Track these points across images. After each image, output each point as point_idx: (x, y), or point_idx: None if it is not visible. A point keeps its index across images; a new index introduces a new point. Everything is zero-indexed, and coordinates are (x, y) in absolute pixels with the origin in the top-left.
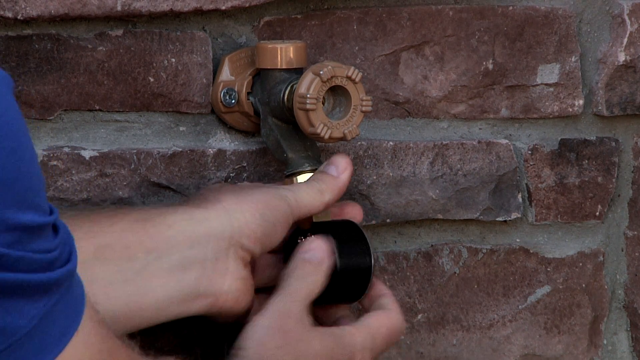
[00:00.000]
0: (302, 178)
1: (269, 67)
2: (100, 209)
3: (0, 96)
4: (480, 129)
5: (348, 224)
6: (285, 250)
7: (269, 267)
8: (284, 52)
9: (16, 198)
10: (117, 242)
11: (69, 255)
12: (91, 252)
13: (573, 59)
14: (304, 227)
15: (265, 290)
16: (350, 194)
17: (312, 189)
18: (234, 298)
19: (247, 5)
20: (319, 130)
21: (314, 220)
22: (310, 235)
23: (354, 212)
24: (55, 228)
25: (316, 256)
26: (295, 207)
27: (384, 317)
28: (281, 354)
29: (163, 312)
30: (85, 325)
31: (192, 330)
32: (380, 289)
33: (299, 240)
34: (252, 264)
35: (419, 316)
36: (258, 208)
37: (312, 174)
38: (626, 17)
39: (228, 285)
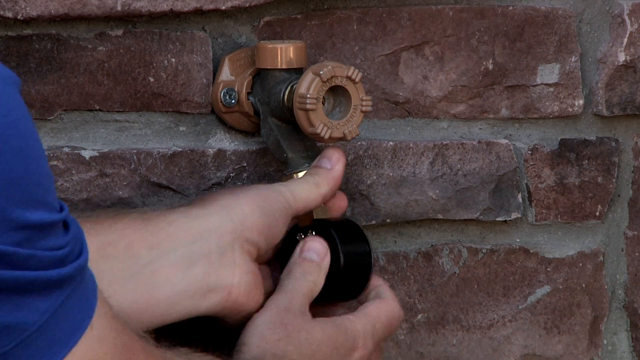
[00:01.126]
0: (301, 175)
1: (269, 67)
2: (100, 211)
3: (7, 96)
4: (480, 129)
5: (349, 223)
6: (282, 250)
7: (265, 279)
8: (284, 52)
9: (24, 197)
10: (120, 240)
11: (80, 250)
12: (94, 250)
13: (573, 59)
14: (303, 224)
15: None
16: (350, 194)
17: (307, 183)
18: (246, 292)
19: (247, 5)
20: (319, 130)
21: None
22: (312, 232)
23: (338, 202)
24: (66, 225)
25: (317, 256)
26: (293, 202)
27: (382, 305)
28: (283, 345)
29: (174, 308)
30: (98, 320)
31: (192, 330)
32: (375, 279)
33: (298, 237)
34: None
35: (419, 316)
36: (256, 201)
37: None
38: (626, 17)
39: (238, 278)
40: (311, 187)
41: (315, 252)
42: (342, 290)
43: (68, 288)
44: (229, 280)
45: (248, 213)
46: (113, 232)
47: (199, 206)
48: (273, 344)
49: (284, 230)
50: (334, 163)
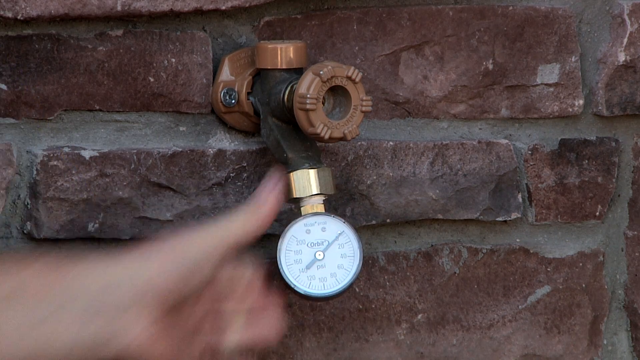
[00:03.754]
0: (300, 174)
1: (269, 67)
2: (13, 253)
3: None
4: (480, 129)
5: None
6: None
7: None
8: (284, 52)
9: None
10: (30, 284)
11: None
12: (5, 293)
13: (573, 59)
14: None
15: None
16: (350, 194)
17: (241, 218)
18: (147, 345)
19: (247, 5)
20: (319, 131)
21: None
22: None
23: None
24: None
25: None
26: (226, 243)
27: None
28: None
29: (73, 357)
30: None
31: None
32: None
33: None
34: (173, 309)
35: (419, 316)
36: (175, 253)
37: (312, 170)
38: (626, 17)
39: (139, 332)
40: (246, 223)
41: None
42: None
43: None
44: (129, 335)
45: (165, 266)
46: (26, 276)
47: (116, 254)
48: None
49: (211, 273)
50: (262, 202)
